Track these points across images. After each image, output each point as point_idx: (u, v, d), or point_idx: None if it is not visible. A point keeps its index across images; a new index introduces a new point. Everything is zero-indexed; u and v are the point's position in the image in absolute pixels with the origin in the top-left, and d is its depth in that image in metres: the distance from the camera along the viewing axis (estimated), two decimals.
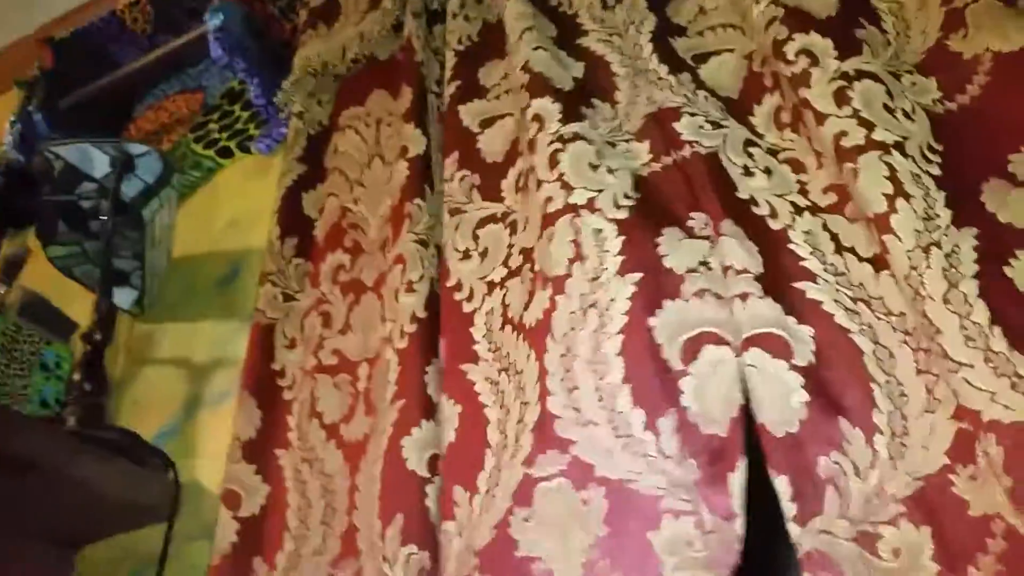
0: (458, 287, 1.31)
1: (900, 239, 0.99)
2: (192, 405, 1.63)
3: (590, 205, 1.19)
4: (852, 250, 1.10)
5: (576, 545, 0.99)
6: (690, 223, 1.18)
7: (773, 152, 1.24)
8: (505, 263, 1.31)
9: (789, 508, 0.93)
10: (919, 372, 0.99)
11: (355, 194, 1.62)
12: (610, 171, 1.24)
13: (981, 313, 0.92)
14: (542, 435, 1.06)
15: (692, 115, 1.26)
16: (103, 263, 1.61)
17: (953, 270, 0.96)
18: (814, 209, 1.16)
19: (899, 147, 1.06)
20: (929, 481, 0.92)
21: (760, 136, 1.27)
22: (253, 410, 1.37)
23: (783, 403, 0.98)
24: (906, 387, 0.99)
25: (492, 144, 1.47)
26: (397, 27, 1.77)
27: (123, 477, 1.43)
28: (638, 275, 1.12)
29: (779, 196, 1.18)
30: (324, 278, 1.52)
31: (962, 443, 0.93)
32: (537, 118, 1.31)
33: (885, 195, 1.02)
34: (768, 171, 1.21)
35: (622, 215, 1.19)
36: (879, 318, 1.04)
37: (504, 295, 1.27)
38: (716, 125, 1.25)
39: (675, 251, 1.15)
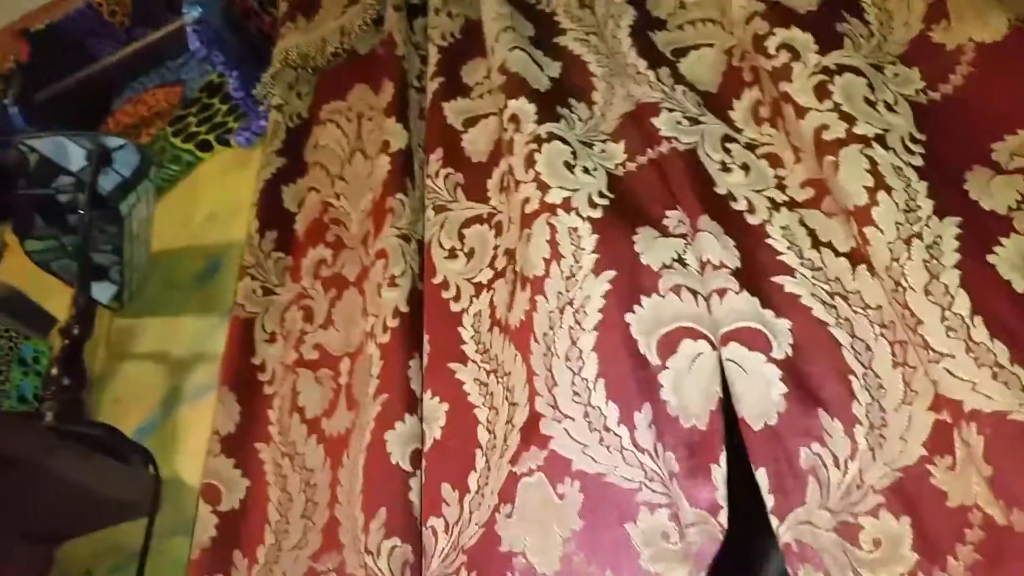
0: (444, 285, 1.31)
1: (881, 231, 0.99)
2: (172, 400, 1.62)
3: (565, 204, 1.19)
4: (829, 245, 1.11)
5: (554, 539, 0.99)
6: (665, 222, 1.19)
7: (751, 147, 1.25)
8: (491, 264, 1.31)
9: (769, 500, 0.93)
10: (896, 365, 1.00)
11: (336, 189, 1.61)
12: (586, 171, 1.25)
13: (962, 303, 0.92)
14: (529, 435, 1.07)
15: (670, 111, 1.26)
16: (80, 257, 1.60)
17: (934, 261, 0.96)
18: (791, 204, 1.17)
19: (880, 140, 1.06)
20: (907, 472, 0.93)
21: (739, 131, 1.27)
22: (232, 404, 1.37)
23: (762, 396, 0.99)
24: (883, 379, 1.00)
25: (476, 143, 1.47)
26: (378, 21, 1.77)
27: (103, 473, 1.42)
28: (612, 272, 1.13)
29: (757, 192, 1.18)
30: (305, 273, 1.52)
31: (940, 434, 0.93)
32: (514, 119, 1.32)
33: (866, 188, 1.02)
34: (746, 167, 1.21)
35: (597, 214, 1.19)
36: (856, 312, 1.05)
37: (492, 297, 1.27)
38: (694, 121, 1.26)
39: (650, 249, 1.16)
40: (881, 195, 1.01)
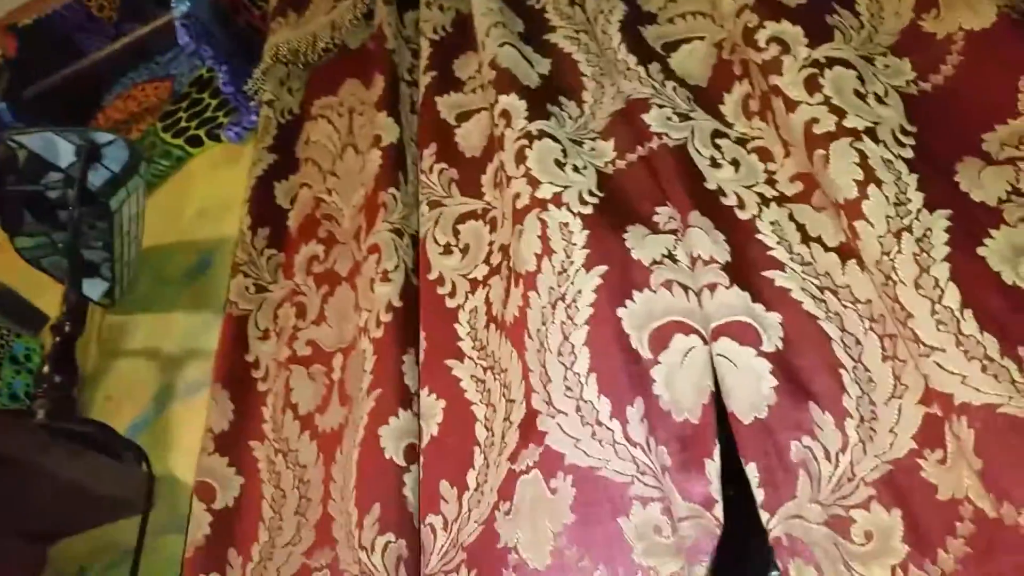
0: (440, 281, 1.31)
1: (872, 225, 1.00)
2: (164, 397, 1.62)
3: (556, 200, 1.20)
4: (818, 240, 1.11)
5: (545, 533, 0.99)
6: (655, 218, 1.20)
7: (742, 141, 1.25)
8: (487, 261, 1.31)
9: (759, 494, 0.94)
10: (886, 358, 1.00)
11: (328, 184, 1.61)
12: (576, 169, 1.25)
13: (952, 297, 0.93)
14: (527, 432, 1.07)
15: (660, 107, 1.26)
16: (71, 254, 1.59)
17: (924, 254, 0.96)
18: (781, 199, 1.17)
19: (870, 133, 1.06)
20: (898, 465, 0.93)
21: (729, 125, 1.27)
22: (226, 402, 1.37)
23: (752, 389, 0.99)
24: (873, 373, 1.00)
25: (469, 139, 1.47)
26: (368, 15, 1.76)
27: (95, 470, 1.42)
28: (604, 268, 1.13)
29: (746, 187, 1.19)
30: (298, 269, 1.52)
31: (930, 428, 0.94)
32: (504, 114, 1.32)
33: (856, 181, 1.02)
34: (735, 163, 1.22)
35: (588, 211, 1.19)
36: (845, 306, 1.05)
37: (487, 293, 1.27)
38: (684, 117, 1.26)
39: (641, 245, 1.16)
40: (871, 189, 1.01)
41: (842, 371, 1.00)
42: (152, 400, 1.63)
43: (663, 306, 1.10)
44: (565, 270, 1.14)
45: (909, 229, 0.98)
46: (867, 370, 1.00)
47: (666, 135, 1.22)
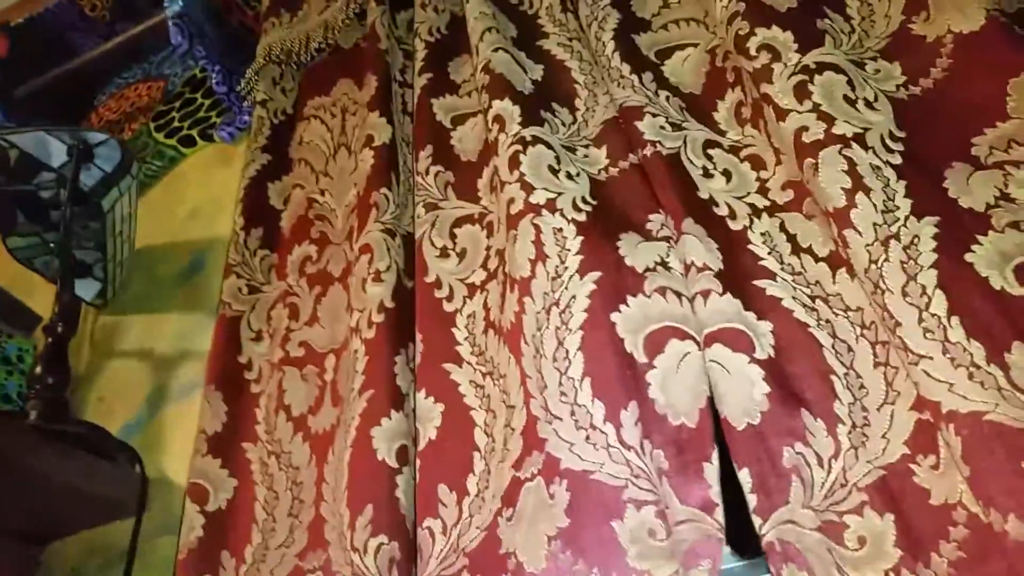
0: (437, 284, 1.31)
1: (860, 233, 1.01)
2: (158, 398, 1.62)
3: (550, 205, 1.20)
4: (809, 250, 1.12)
5: (540, 537, 1.00)
6: (648, 225, 1.20)
7: (734, 149, 1.26)
8: (484, 265, 1.31)
9: (752, 499, 0.94)
10: (877, 365, 1.01)
11: (321, 185, 1.61)
12: (569, 176, 1.26)
13: (939, 304, 0.94)
14: (529, 438, 1.07)
15: (654, 116, 1.27)
16: (63, 254, 1.59)
17: (912, 262, 0.97)
18: (772, 209, 1.18)
19: (859, 139, 1.07)
20: (890, 470, 0.94)
21: (722, 133, 1.28)
22: (219, 404, 1.37)
23: (745, 396, 0.99)
24: (865, 379, 1.01)
25: (465, 142, 1.47)
26: (360, 15, 1.77)
27: (88, 472, 1.41)
28: (598, 274, 1.13)
29: (738, 198, 1.20)
30: (291, 270, 1.52)
31: (922, 433, 0.94)
32: (498, 119, 1.33)
33: (844, 190, 1.03)
34: (727, 173, 1.23)
35: (581, 218, 1.20)
36: (836, 314, 1.06)
37: (485, 298, 1.28)
38: (676, 127, 1.27)
39: (633, 253, 1.17)
40: (859, 196, 1.02)
41: (834, 378, 1.01)
42: (145, 401, 1.62)
43: (658, 311, 1.10)
44: (559, 275, 1.15)
45: (897, 237, 0.99)
46: (859, 376, 1.01)
47: (659, 143, 1.23)
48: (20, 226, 1.71)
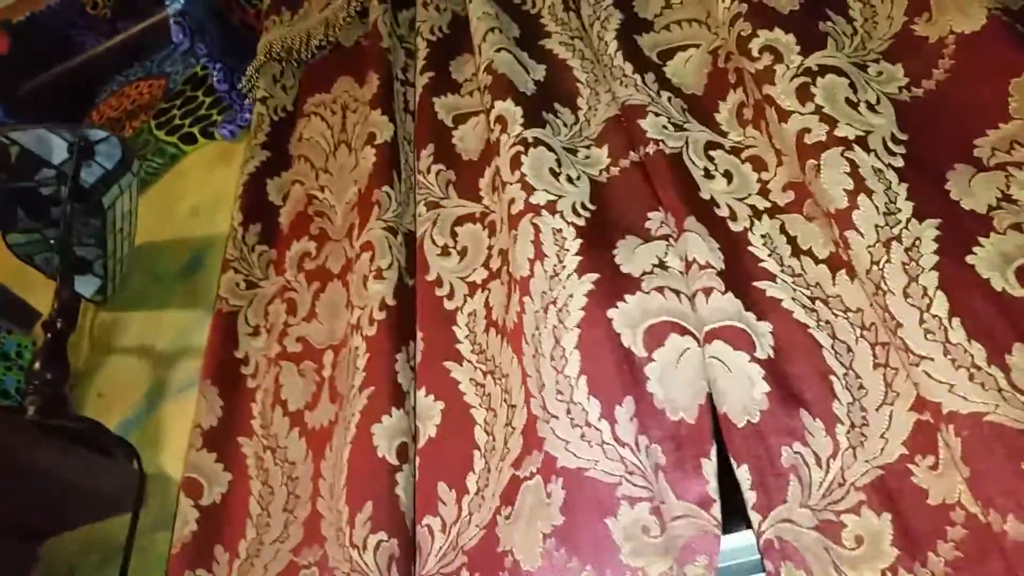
0: (438, 283, 1.31)
1: (861, 235, 1.01)
2: (156, 395, 1.62)
3: (550, 207, 1.20)
4: (809, 252, 1.12)
5: (536, 535, 0.99)
6: (647, 224, 1.20)
7: (736, 151, 1.26)
8: (486, 264, 1.31)
9: (750, 497, 0.94)
10: (877, 366, 1.01)
11: (321, 181, 1.61)
12: (570, 180, 1.26)
13: (941, 305, 0.94)
14: (529, 438, 1.07)
15: (656, 115, 1.27)
16: (63, 250, 1.59)
17: (913, 264, 0.97)
18: (773, 210, 1.18)
19: (861, 142, 1.07)
20: (888, 470, 0.94)
21: (724, 134, 1.28)
22: (215, 398, 1.37)
23: (745, 394, 0.99)
24: (864, 380, 1.01)
25: (467, 141, 1.47)
26: (362, 13, 1.77)
27: (86, 467, 1.42)
28: (596, 275, 1.14)
29: (739, 200, 1.20)
30: (289, 265, 1.52)
31: (922, 434, 0.94)
32: (500, 120, 1.33)
33: (846, 191, 1.03)
34: (728, 174, 1.23)
35: (580, 223, 1.20)
36: (836, 315, 1.06)
37: (487, 297, 1.27)
38: (679, 127, 1.27)
39: (630, 259, 1.17)
40: (861, 198, 1.02)
41: (833, 378, 1.01)
42: (144, 398, 1.62)
43: (656, 306, 1.11)
44: (557, 274, 1.15)
45: (898, 238, 0.99)
46: (858, 377, 1.01)
47: (662, 142, 1.23)
48: (20, 223, 1.71)
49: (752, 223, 1.16)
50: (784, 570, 0.90)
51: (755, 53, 1.21)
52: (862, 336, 1.03)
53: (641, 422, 1.02)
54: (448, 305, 1.28)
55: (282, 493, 1.27)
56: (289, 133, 1.72)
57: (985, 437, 0.86)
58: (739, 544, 1.06)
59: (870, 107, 1.13)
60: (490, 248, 1.32)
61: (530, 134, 1.29)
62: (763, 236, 1.15)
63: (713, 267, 1.08)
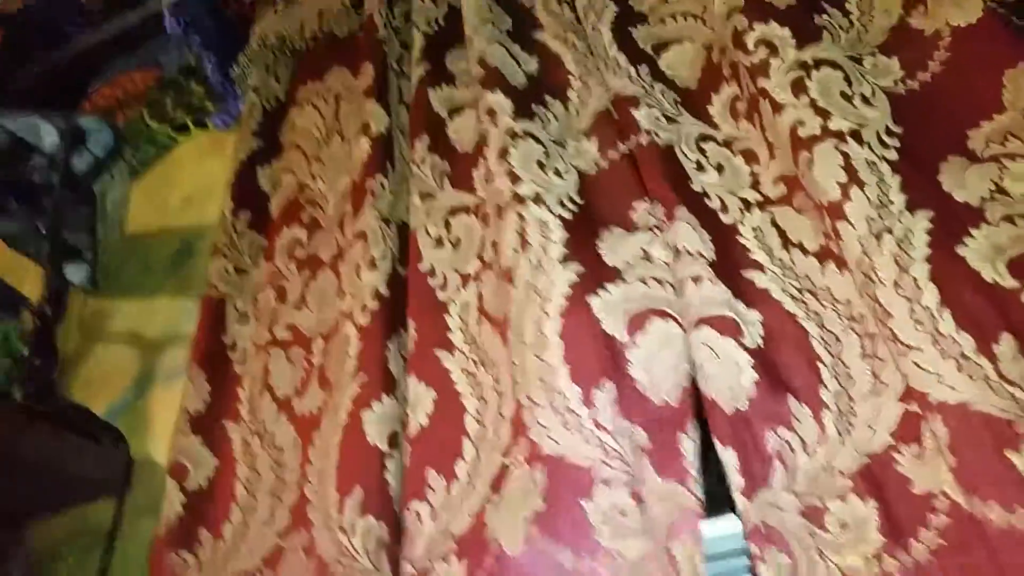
0: (432, 273, 1.31)
1: (853, 226, 1.01)
2: (145, 381, 1.62)
3: (536, 199, 1.21)
4: (799, 245, 1.13)
5: (519, 521, 1.00)
6: (633, 216, 1.21)
7: (728, 144, 1.26)
8: (479, 256, 1.31)
9: (736, 480, 0.94)
10: (864, 356, 1.01)
11: (313, 170, 1.61)
12: (557, 173, 1.26)
13: (931, 296, 0.94)
14: (516, 427, 1.07)
15: (649, 107, 1.27)
16: (52, 237, 1.59)
17: (904, 255, 0.97)
18: (764, 203, 1.18)
19: (855, 135, 1.08)
20: (874, 459, 0.94)
21: (716, 128, 1.28)
22: (202, 383, 1.36)
23: (733, 380, 1.00)
24: (852, 370, 1.01)
25: (461, 133, 1.47)
26: (356, 4, 1.77)
27: (73, 452, 1.41)
28: (579, 266, 1.14)
29: (730, 192, 1.20)
30: (279, 253, 1.51)
31: (908, 424, 0.95)
32: (490, 112, 1.33)
33: (839, 184, 1.04)
34: (720, 167, 1.23)
35: (567, 215, 1.20)
36: (825, 306, 1.07)
37: (479, 288, 1.27)
38: (671, 120, 1.27)
39: (614, 251, 1.17)
40: (854, 191, 1.03)
41: (821, 366, 1.02)
42: (132, 384, 1.62)
43: (640, 294, 1.11)
44: (540, 263, 1.15)
45: (890, 230, 1.00)
46: (846, 367, 1.01)
47: (655, 133, 1.23)
48: (11, 210, 1.70)
49: (743, 215, 1.17)
50: (768, 554, 0.90)
51: (751, 46, 1.22)
52: (851, 327, 1.04)
53: (623, 406, 1.02)
54: (441, 295, 1.28)
55: (269, 478, 1.26)
56: (281, 122, 1.72)
57: (972, 426, 0.87)
58: (727, 531, 1.06)
59: (865, 100, 1.14)
60: (483, 240, 1.32)
61: (519, 126, 1.29)
62: (754, 228, 1.15)
63: (704, 256, 1.08)
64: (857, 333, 1.03)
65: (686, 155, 1.23)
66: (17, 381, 1.45)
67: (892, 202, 1.02)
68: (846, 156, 1.05)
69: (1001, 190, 1.02)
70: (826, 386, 1.00)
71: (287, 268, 1.48)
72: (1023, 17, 1.13)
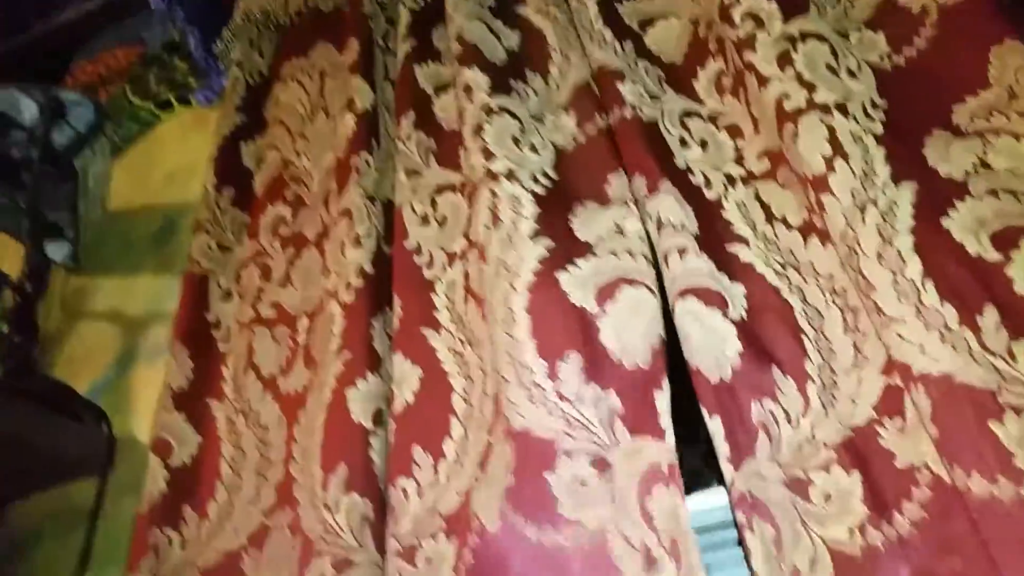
0: (418, 251, 1.30)
1: (837, 198, 1.01)
2: (127, 359, 1.61)
3: (510, 174, 1.21)
4: (783, 220, 1.13)
5: (495, 497, 1.00)
6: (608, 190, 1.21)
7: (712, 119, 1.26)
8: (465, 234, 1.30)
9: (722, 449, 0.95)
10: (847, 330, 1.02)
11: (297, 147, 1.59)
12: (533, 148, 1.26)
13: (914, 268, 0.95)
14: (497, 403, 1.07)
15: (634, 82, 1.27)
16: (32, 213, 1.57)
17: (888, 227, 0.98)
18: (747, 178, 1.18)
19: (840, 107, 1.08)
20: (857, 432, 0.95)
21: (701, 103, 1.28)
22: (185, 360, 1.35)
23: (718, 351, 1.00)
24: (834, 344, 1.02)
25: (448, 110, 1.45)
26: None
27: (54, 430, 1.40)
28: (549, 241, 1.14)
29: (714, 168, 1.20)
30: (264, 230, 1.50)
31: (890, 398, 0.95)
32: (467, 88, 1.33)
33: (824, 156, 1.04)
34: (703, 143, 1.23)
35: (539, 191, 1.20)
36: (807, 280, 1.07)
37: (466, 267, 1.27)
38: (654, 97, 1.27)
39: (587, 225, 1.17)
40: (838, 162, 1.03)
41: (804, 337, 1.02)
42: (114, 362, 1.61)
43: (611, 267, 1.12)
44: (511, 239, 1.15)
45: (874, 202, 1.00)
46: (828, 340, 1.02)
47: (639, 109, 1.23)
48: None
49: (726, 190, 1.17)
50: (755, 523, 0.90)
51: (737, 20, 1.22)
52: (833, 301, 1.04)
53: (591, 374, 1.03)
54: (427, 273, 1.28)
55: (254, 456, 1.26)
56: (265, 98, 1.70)
57: (955, 398, 0.87)
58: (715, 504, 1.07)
59: (850, 73, 1.14)
60: (470, 218, 1.31)
61: (495, 102, 1.29)
62: (738, 203, 1.15)
63: (688, 229, 1.08)
64: (839, 307, 1.03)
65: (669, 131, 1.23)
66: None
67: (877, 174, 1.02)
68: (831, 129, 1.06)
69: (985, 164, 1.02)
70: (810, 359, 1.00)
71: (271, 246, 1.47)
72: None
